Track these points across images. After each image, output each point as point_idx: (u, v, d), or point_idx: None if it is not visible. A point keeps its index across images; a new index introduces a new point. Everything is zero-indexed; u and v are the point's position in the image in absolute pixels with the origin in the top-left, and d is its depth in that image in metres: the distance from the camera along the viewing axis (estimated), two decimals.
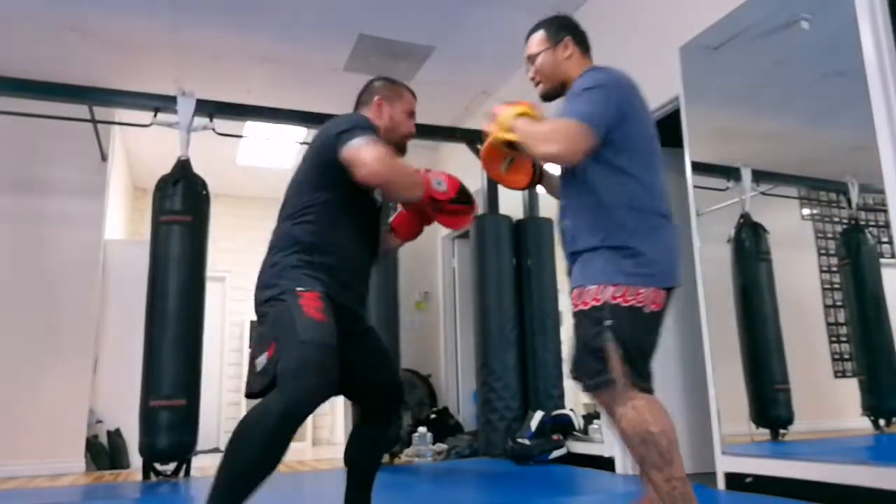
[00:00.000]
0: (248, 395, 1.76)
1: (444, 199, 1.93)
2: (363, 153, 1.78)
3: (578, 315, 1.74)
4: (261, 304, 1.86)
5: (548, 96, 1.98)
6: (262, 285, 1.88)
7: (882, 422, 2.56)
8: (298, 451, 6.18)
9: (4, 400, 4.43)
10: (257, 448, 1.58)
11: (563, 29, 1.97)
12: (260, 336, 1.79)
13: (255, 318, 1.90)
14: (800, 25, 2.74)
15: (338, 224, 1.91)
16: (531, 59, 1.99)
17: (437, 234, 6.39)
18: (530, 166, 2.05)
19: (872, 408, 2.59)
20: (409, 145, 2.14)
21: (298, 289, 1.77)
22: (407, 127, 2.10)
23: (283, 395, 1.61)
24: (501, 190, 4.88)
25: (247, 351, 6.72)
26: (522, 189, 2.22)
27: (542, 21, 2.01)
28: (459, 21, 4.37)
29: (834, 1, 2.60)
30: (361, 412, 2.04)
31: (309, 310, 1.73)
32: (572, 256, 1.83)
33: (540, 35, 1.99)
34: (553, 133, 1.73)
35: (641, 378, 1.67)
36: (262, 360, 1.71)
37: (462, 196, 1.97)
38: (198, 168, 4.13)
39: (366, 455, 2.03)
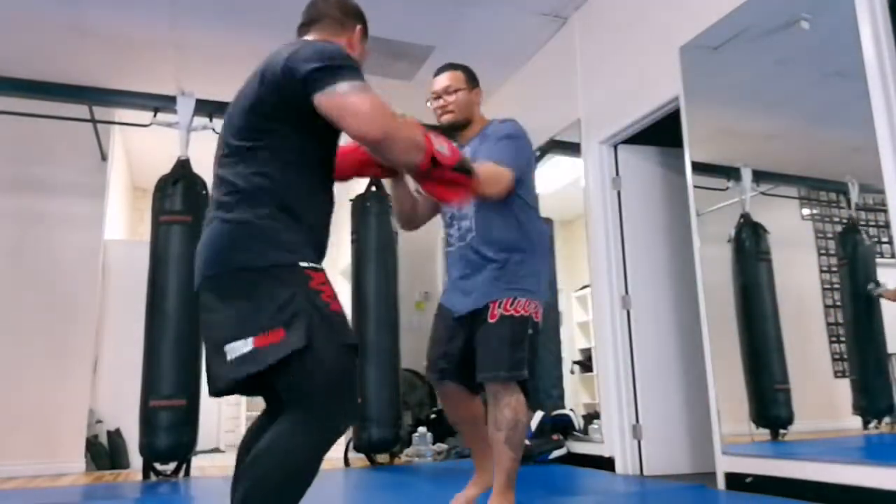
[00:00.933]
0: (219, 392, 1.41)
1: (448, 164, 1.54)
2: (354, 100, 1.36)
3: (510, 318, 2.12)
4: (231, 272, 1.39)
5: (453, 126, 2.28)
6: (228, 246, 1.40)
7: (873, 422, 2.56)
8: None
9: (4, 400, 4.43)
10: (295, 495, 1.27)
11: (475, 79, 2.33)
12: (245, 313, 1.35)
13: None
14: (800, 25, 2.74)
15: (314, 177, 1.53)
16: (448, 90, 2.27)
17: (437, 233, 6.38)
18: None
19: (862, 408, 2.60)
20: None
21: (303, 264, 1.39)
22: None
23: (317, 422, 1.29)
24: None
25: None
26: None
27: (457, 64, 2.33)
28: (459, 21, 4.37)
29: (834, 1, 2.60)
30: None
31: (329, 299, 1.37)
32: (491, 260, 2.18)
33: (460, 75, 2.29)
34: (496, 179, 2.08)
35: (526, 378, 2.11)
36: (244, 345, 1.32)
37: (465, 164, 1.63)
38: (198, 168, 4.13)
39: None
